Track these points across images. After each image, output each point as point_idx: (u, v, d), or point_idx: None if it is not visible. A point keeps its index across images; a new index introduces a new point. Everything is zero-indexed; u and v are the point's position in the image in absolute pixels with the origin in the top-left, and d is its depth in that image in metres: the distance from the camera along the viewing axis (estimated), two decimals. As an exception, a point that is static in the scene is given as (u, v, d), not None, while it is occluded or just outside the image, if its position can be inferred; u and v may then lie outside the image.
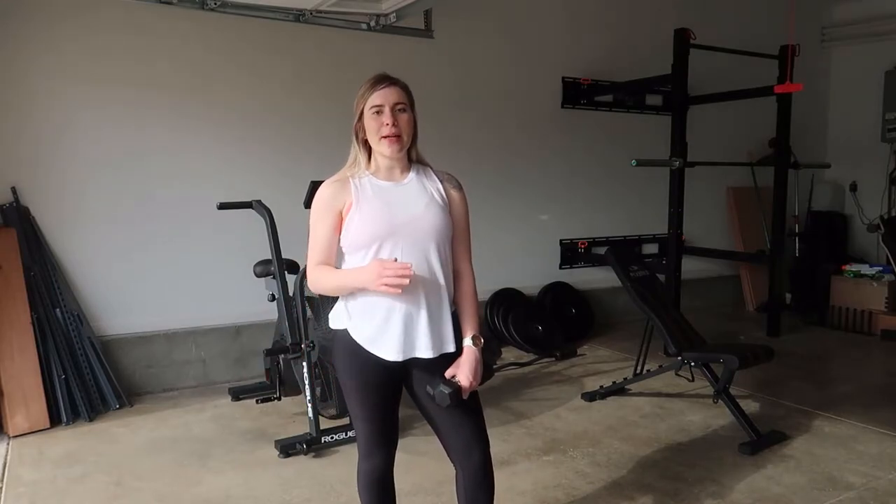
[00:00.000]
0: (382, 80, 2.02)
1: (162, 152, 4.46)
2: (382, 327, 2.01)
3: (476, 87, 5.58)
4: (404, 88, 2.04)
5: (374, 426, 2.10)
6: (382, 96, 1.99)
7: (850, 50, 7.49)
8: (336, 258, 2.08)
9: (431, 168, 2.15)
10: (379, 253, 1.98)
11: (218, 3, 4.31)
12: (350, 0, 4.48)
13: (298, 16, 4.60)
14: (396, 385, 2.11)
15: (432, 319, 2.01)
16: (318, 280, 2.05)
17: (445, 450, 2.13)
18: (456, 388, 1.98)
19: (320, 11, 4.54)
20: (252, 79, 4.70)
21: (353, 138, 2.07)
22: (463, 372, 2.02)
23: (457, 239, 2.12)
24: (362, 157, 2.07)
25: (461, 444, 2.09)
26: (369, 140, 2.04)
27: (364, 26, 4.84)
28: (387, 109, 1.99)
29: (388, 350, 2.01)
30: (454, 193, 2.13)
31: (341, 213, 2.03)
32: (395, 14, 4.71)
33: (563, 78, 6.01)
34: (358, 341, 2.04)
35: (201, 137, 4.57)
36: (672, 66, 5.45)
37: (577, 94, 6.07)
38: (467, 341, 2.07)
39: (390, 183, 2.06)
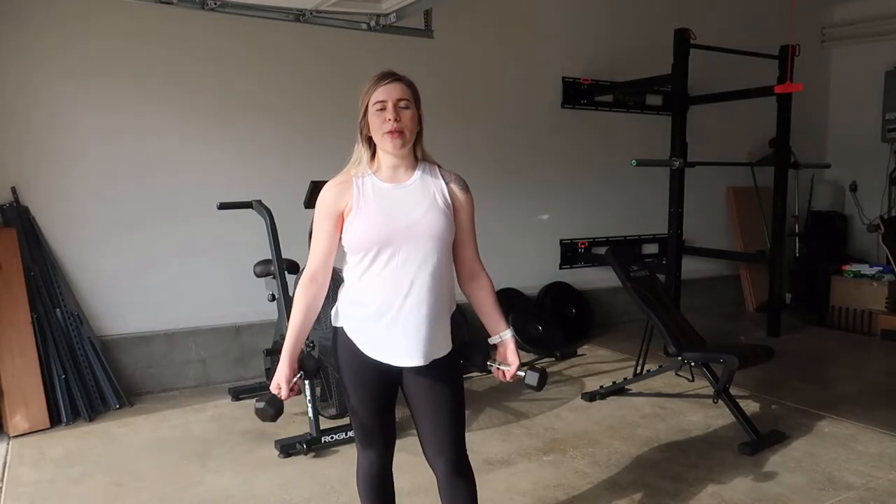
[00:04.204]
0: (386, 76, 2.01)
1: (162, 152, 4.46)
2: (378, 332, 2.02)
3: (476, 87, 5.58)
4: (409, 85, 2.03)
5: (371, 422, 2.13)
6: (386, 92, 1.98)
7: (850, 50, 7.49)
8: (339, 257, 2.10)
9: (439, 167, 2.12)
10: (377, 258, 1.99)
11: (218, 3, 4.30)
12: (350, 0, 4.48)
13: (298, 16, 4.59)
14: (392, 384, 2.12)
15: (429, 326, 2.01)
16: (296, 300, 2.10)
17: (422, 450, 2.16)
18: (542, 371, 2.13)
19: (320, 11, 4.53)
20: (252, 79, 4.70)
21: (358, 135, 2.06)
22: (514, 358, 2.16)
23: (464, 241, 2.11)
24: (366, 155, 2.05)
25: (434, 446, 2.12)
26: (373, 136, 2.02)
27: (364, 26, 4.84)
28: (390, 105, 1.97)
29: (383, 354, 2.03)
30: (460, 195, 2.09)
31: (343, 214, 2.02)
32: (395, 14, 4.71)
33: (563, 78, 6.01)
34: (355, 342, 2.06)
35: (201, 137, 4.56)
36: (672, 66, 5.45)
37: (577, 94, 6.07)
38: (507, 333, 2.17)
39: (392, 185, 2.03)
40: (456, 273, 2.15)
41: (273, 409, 2.04)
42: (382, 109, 1.97)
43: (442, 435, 2.10)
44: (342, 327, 2.09)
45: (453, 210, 2.07)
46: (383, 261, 1.98)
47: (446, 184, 2.08)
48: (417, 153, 2.08)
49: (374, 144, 2.04)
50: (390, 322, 2.00)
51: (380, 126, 1.98)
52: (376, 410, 2.13)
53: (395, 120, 1.96)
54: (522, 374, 2.13)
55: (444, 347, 2.06)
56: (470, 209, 2.12)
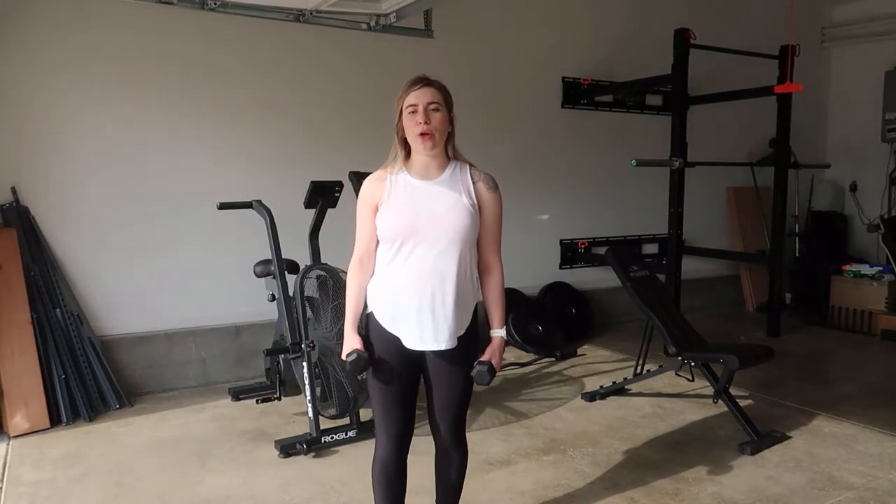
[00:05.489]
0: (418, 82, 2.18)
1: (162, 152, 4.46)
2: (403, 317, 2.19)
3: (476, 87, 5.57)
4: (440, 89, 2.20)
5: (392, 403, 2.28)
6: (417, 96, 2.15)
7: (850, 50, 7.49)
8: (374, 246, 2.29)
9: (470, 166, 2.28)
10: (401, 248, 2.17)
11: (218, 3, 4.31)
12: (350, 0, 4.48)
13: (298, 16, 4.60)
14: (416, 369, 2.29)
15: (445, 314, 2.17)
16: (349, 282, 2.31)
17: (429, 420, 2.39)
18: (493, 372, 2.27)
19: (320, 11, 4.54)
20: (252, 79, 4.69)
21: (395, 137, 2.22)
22: (494, 357, 2.28)
23: (486, 236, 2.27)
24: (401, 154, 2.22)
25: (440, 425, 2.35)
26: (408, 138, 2.18)
27: (364, 26, 4.84)
28: (420, 109, 2.13)
29: (408, 339, 2.21)
30: (487, 193, 2.25)
31: (376, 206, 2.21)
32: (395, 14, 4.71)
33: (563, 78, 6.01)
34: (382, 325, 2.24)
35: (201, 137, 4.57)
36: (672, 66, 5.45)
37: (577, 94, 6.07)
38: (498, 332, 2.32)
39: (422, 181, 2.20)
40: None
41: (364, 361, 2.22)
42: (414, 112, 2.14)
43: (448, 416, 2.33)
44: (372, 313, 2.27)
45: (479, 207, 2.23)
46: (407, 250, 2.16)
47: (474, 182, 2.25)
48: (449, 152, 2.26)
49: (409, 145, 2.21)
50: (414, 308, 2.16)
51: (412, 128, 2.15)
52: (399, 392, 2.27)
53: (426, 123, 2.13)
54: (473, 374, 2.29)
55: (458, 333, 2.21)
56: (495, 207, 2.27)
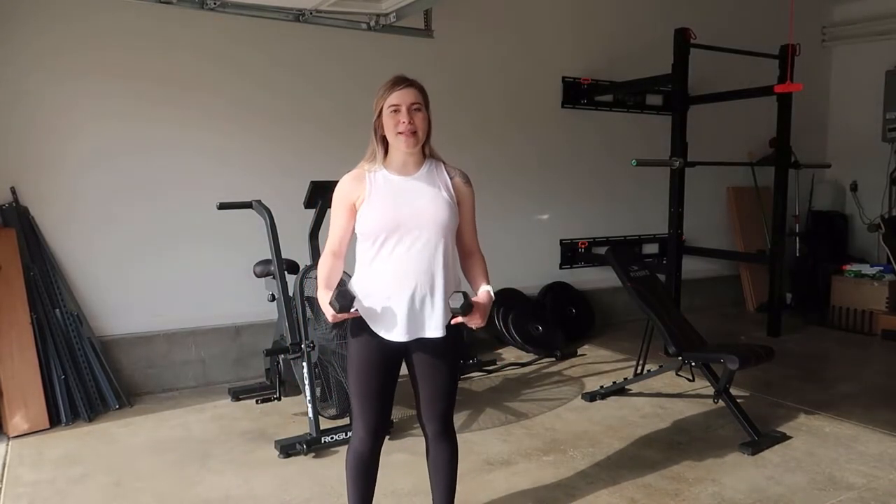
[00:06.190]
0: (401, 82, 2.22)
1: (162, 152, 4.46)
2: (390, 312, 2.22)
3: (476, 87, 5.58)
4: (420, 90, 2.24)
5: (367, 403, 2.31)
6: (400, 97, 2.19)
7: (851, 50, 7.50)
8: (350, 243, 2.34)
9: (444, 163, 2.35)
10: (385, 243, 2.21)
11: (217, 3, 4.30)
12: (350, 0, 4.48)
13: (298, 15, 4.59)
14: (395, 370, 2.34)
15: (434, 302, 2.22)
16: (320, 267, 2.34)
17: (417, 413, 2.44)
18: (469, 301, 2.18)
19: (320, 11, 4.54)
20: (252, 78, 4.69)
21: (373, 134, 2.26)
22: (479, 302, 2.25)
23: (467, 226, 2.37)
24: (379, 152, 2.26)
25: (429, 415, 2.40)
26: (387, 136, 2.23)
27: (364, 26, 4.84)
28: (403, 108, 2.18)
29: (389, 331, 2.23)
30: (463, 188, 2.34)
31: (355, 205, 2.25)
32: (395, 14, 4.71)
33: (563, 78, 6.01)
34: (365, 319, 2.25)
35: (201, 137, 4.56)
36: (672, 66, 5.45)
37: (577, 94, 6.07)
38: (485, 287, 2.33)
39: (401, 177, 2.25)
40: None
41: (352, 296, 2.19)
42: (397, 112, 2.19)
43: (436, 407, 2.38)
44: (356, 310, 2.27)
45: (457, 201, 2.30)
46: (391, 245, 2.20)
47: (451, 178, 2.32)
48: (425, 151, 2.31)
49: (387, 142, 2.25)
50: (405, 299, 2.20)
51: (394, 127, 2.19)
52: (378, 387, 2.30)
53: (409, 122, 2.18)
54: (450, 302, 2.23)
55: (444, 324, 2.24)
56: (471, 200, 2.38)
